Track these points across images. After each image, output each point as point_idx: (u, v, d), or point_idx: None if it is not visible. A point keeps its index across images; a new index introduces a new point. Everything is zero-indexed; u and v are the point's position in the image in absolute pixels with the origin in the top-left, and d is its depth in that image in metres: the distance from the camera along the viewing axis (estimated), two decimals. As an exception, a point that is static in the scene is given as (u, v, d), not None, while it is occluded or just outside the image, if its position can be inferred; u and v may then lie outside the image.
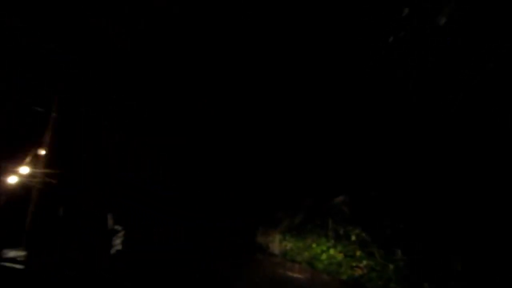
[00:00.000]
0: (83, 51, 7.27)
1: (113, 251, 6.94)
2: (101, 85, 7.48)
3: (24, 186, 6.95)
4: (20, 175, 6.87)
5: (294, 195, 7.53)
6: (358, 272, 6.23)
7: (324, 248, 6.62)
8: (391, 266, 5.92)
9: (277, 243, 7.10)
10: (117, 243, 7.01)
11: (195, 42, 7.65)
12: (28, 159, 6.87)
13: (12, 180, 6.81)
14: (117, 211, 7.21)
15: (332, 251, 6.56)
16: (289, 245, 7.02)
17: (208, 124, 7.91)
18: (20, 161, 6.89)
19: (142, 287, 5.66)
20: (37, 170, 6.92)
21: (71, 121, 7.37)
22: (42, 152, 7.11)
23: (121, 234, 7.10)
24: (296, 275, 6.54)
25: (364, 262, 6.23)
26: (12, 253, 6.40)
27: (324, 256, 6.55)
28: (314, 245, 6.74)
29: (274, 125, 7.71)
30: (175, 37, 7.58)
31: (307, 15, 7.36)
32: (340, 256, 6.44)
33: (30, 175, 6.90)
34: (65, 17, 7.00)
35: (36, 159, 7.01)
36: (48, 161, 7.04)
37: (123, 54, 7.44)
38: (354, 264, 6.30)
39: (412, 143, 6.79)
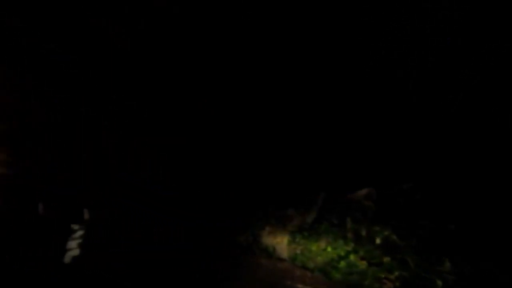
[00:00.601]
0: (83, 51, 7.26)
1: (67, 258, 6.07)
2: (101, 85, 7.48)
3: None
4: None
5: (306, 189, 6.76)
6: (388, 286, 4.88)
7: (342, 253, 5.47)
8: (439, 282, 4.51)
9: (286, 246, 6.14)
10: (73, 246, 6.22)
11: (195, 42, 7.64)
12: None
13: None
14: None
15: (352, 257, 5.35)
16: (299, 248, 6.00)
17: (208, 124, 7.91)
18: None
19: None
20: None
21: (71, 121, 7.37)
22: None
23: (78, 235, 6.36)
24: (308, 288, 5.31)
25: (396, 273, 4.88)
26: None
27: (342, 264, 5.33)
28: (329, 249, 5.66)
29: (276, 120, 7.67)
30: (175, 37, 7.58)
31: (307, 15, 7.36)
32: (362, 264, 5.20)
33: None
34: (65, 17, 7.00)
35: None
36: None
37: (123, 54, 7.44)
38: (382, 275, 4.95)
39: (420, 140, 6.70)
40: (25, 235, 6.82)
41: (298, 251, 5.98)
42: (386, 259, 5.12)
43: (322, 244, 5.85)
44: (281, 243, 6.26)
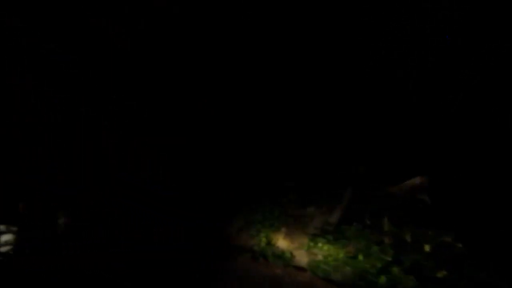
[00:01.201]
0: (83, 51, 7.26)
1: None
2: (101, 85, 7.48)
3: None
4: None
5: (329, 184, 5.80)
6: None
7: (378, 263, 4.09)
8: None
9: (306, 251, 5.06)
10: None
11: (195, 42, 7.64)
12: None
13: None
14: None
15: (395, 271, 3.94)
16: (322, 254, 4.83)
17: (208, 124, 7.91)
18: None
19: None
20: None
21: (71, 121, 7.37)
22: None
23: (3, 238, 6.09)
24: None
25: None
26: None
27: (382, 280, 3.93)
28: (360, 257, 4.39)
29: (283, 114, 7.56)
30: (175, 37, 7.57)
31: (307, 15, 7.36)
32: (410, 280, 3.76)
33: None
34: (65, 17, 7.00)
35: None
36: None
37: (123, 54, 7.43)
38: None
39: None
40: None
41: (321, 258, 4.77)
42: (443, 274, 3.67)
43: (351, 250, 4.65)
44: (300, 248, 5.17)
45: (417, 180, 4.96)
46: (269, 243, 5.58)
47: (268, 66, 7.70)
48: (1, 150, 6.85)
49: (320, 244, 5.00)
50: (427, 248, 4.10)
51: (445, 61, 6.64)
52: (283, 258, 5.21)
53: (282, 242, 5.47)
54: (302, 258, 5.06)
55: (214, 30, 7.56)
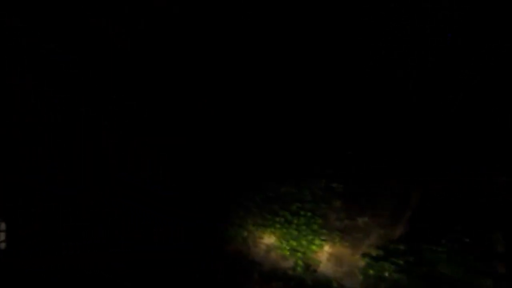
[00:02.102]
0: (83, 51, 7.26)
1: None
2: (101, 85, 7.48)
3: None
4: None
5: (386, 181, 4.23)
6: None
7: None
8: None
9: (361, 280, 3.46)
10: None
11: (195, 42, 7.64)
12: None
13: None
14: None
15: None
16: (386, 286, 3.24)
17: (208, 124, 7.91)
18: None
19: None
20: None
21: (71, 121, 7.37)
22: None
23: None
24: None
25: None
26: None
27: None
28: None
29: (277, 119, 7.57)
30: (175, 37, 7.57)
31: (307, 15, 7.36)
32: None
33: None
34: (65, 17, 7.00)
35: None
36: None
37: (123, 54, 7.43)
38: None
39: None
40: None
41: None
42: None
43: (437, 283, 2.93)
44: (352, 275, 3.54)
45: None
46: (308, 267, 4.11)
47: (269, 65, 7.70)
48: (1, 150, 6.85)
49: (385, 273, 3.24)
50: None
51: (445, 61, 6.65)
52: None
53: (326, 266, 3.89)
54: (357, 288, 3.33)
55: (214, 30, 7.56)
